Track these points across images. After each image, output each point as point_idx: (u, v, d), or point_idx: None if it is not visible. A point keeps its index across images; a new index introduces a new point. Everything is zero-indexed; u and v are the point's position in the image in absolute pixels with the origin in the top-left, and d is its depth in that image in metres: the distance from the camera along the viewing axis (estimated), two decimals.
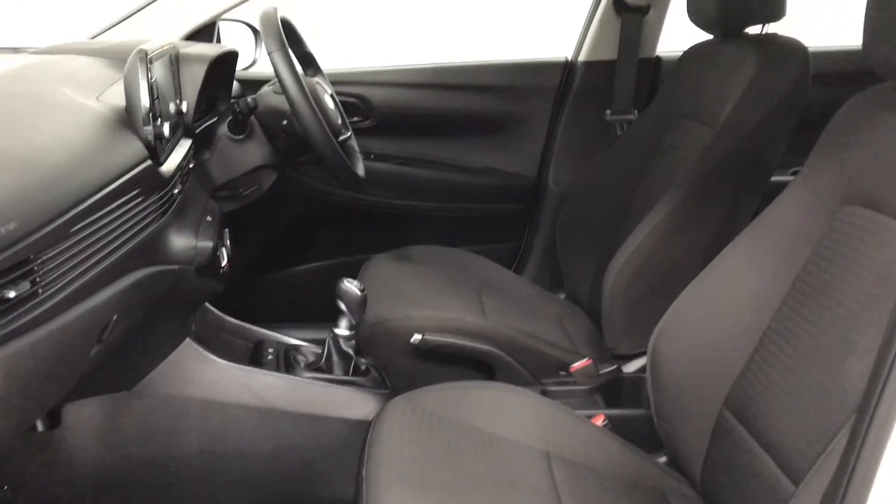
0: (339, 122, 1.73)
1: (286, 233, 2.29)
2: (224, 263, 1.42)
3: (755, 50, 1.66)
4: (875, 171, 1.06)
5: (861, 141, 1.09)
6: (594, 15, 2.26)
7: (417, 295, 1.82)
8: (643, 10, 2.21)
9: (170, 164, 1.20)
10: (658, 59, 2.31)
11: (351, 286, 1.58)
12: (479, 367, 1.73)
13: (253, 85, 1.88)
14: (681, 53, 1.97)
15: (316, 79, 1.77)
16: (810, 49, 1.62)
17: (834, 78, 1.73)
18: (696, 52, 1.92)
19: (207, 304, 1.75)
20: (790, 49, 1.64)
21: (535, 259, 2.39)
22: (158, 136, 1.15)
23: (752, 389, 1.13)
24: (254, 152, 1.66)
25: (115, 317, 1.02)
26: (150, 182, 1.10)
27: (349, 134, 1.79)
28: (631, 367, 1.75)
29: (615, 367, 1.75)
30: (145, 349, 1.42)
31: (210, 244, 1.31)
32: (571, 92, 2.30)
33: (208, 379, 1.49)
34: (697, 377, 1.24)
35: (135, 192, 1.04)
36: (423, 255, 2.07)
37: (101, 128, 1.05)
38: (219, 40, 1.96)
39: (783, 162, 1.67)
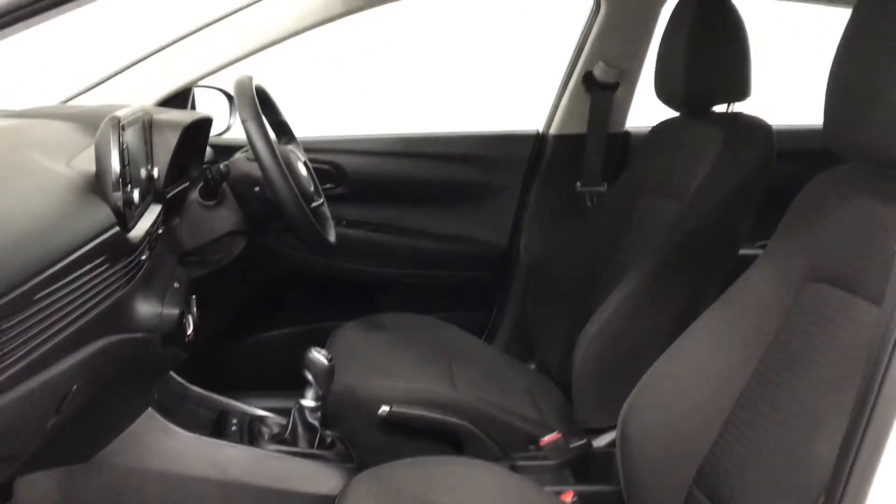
0: (312, 188, 1.73)
1: (254, 299, 2.27)
2: (190, 331, 1.40)
3: (721, 128, 1.71)
4: (838, 251, 1.08)
5: (824, 221, 1.12)
6: (565, 90, 2.32)
7: (386, 365, 1.80)
8: (612, 87, 2.27)
9: (138, 231, 1.19)
10: (627, 133, 2.36)
11: (318, 356, 1.56)
12: (447, 440, 1.71)
13: (227, 151, 1.88)
14: (649, 129, 2.02)
15: (290, 146, 1.78)
16: (775, 127, 1.67)
17: (799, 155, 1.77)
18: (663, 128, 1.96)
19: (171, 371, 1.71)
20: (755, 127, 1.69)
21: (506, 328, 2.38)
22: (128, 202, 1.13)
23: (722, 467, 1.12)
24: (224, 218, 1.65)
25: (76, 387, 0.99)
26: (117, 249, 1.09)
27: (321, 201, 1.79)
28: (601, 441, 1.74)
29: (585, 441, 1.73)
30: (105, 419, 1.38)
31: (176, 312, 1.29)
32: (542, 163, 2.34)
33: (169, 450, 1.44)
34: (667, 453, 1.22)
35: (101, 259, 1.02)
36: (393, 323, 2.05)
37: (69, 194, 1.04)
38: (193, 106, 1.97)
39: (751, 235, 1.70)
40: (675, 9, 1.79)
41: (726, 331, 1.21)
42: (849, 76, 1.05)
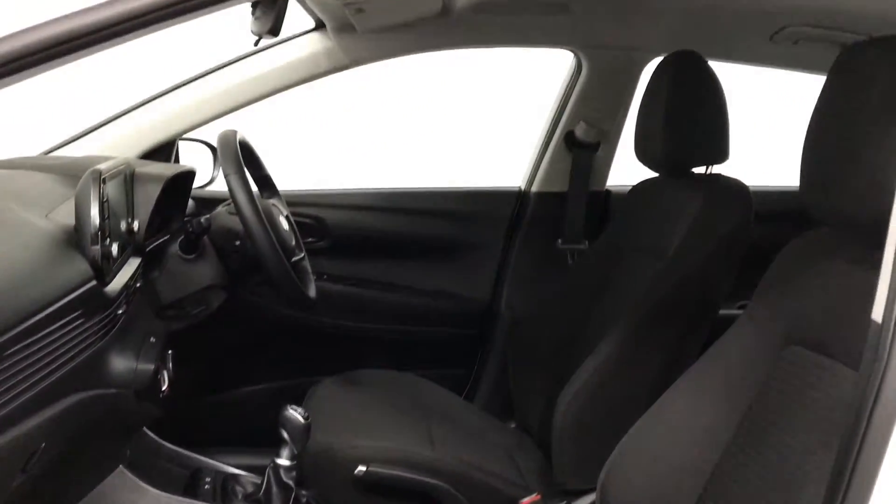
0: (293, 243, 1.73)
1: (232, 354, 2.24)
2: (165, 387, 1.37)
3: (700, 189, 1.73)
4: (816, 314, 1.08)
5: (801, 284, 1.12)
6: (546, 149, 2.34)
7: (364, 423, 1.77)
8: (593, 147, 2.30)
9: (116, 284, 1.17)
10: (608, 192, 2.39)
11: (294, 414, 1.53)
12: (425, 500, 1.67)
13: (209, 203, 1.88)
14: (630, 188, 2.04)
15: (272, 201, 1.78)
16: (752, 189, 1.70)
17: (778, 217, 1.79)
18: (643, 188, 1.99)
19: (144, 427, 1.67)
20: (733, 189, 1.71)
21: (487, 386, 2.36)
22: (106, 255, 1.12)
23: None
24: (204, 272, 1.64)
25: (44, 445, 0.97)
26: (93, 302, 1.07)
27: (302, 255, 1.79)
28: None
29: (565, 502, 1.70)
30: (74, 477, 1.34)
31: (151, 367, 1.27)
32: (524, 220, 2.35)
33: None
34: None
35: (76, 314, 1.01)
36: (372, 380, 2.03)
37: (46, 247, 1.03)
38: (177, 159, 1.98)
39: (730, 296, 1.70)
40: (654, 72, 1.83)
41: (707, 392, 1.21)
42: (824, 141, 1.07)
